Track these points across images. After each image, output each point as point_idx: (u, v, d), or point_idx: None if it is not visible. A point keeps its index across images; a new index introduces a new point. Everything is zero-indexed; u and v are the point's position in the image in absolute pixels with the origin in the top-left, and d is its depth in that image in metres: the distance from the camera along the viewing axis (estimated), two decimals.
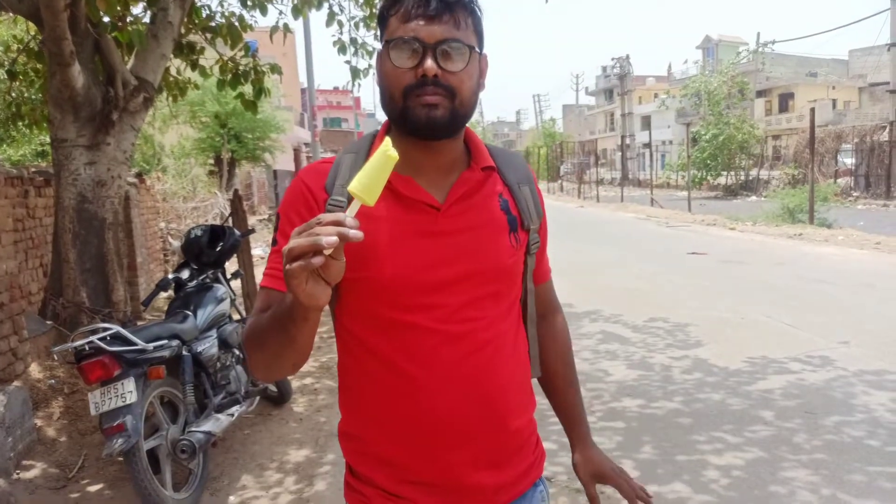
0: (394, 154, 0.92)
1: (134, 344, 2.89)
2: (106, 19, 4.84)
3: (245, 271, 5.66)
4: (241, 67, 6.18)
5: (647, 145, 33.64)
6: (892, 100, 28.81)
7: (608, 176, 44.33)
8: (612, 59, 51.23)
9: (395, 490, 1.12)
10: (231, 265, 4.54)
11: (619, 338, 5.80)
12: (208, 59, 6.21)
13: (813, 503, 2.94)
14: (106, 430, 2.75)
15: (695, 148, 28.25)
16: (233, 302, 4.00)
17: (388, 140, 0.94)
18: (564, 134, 63.51)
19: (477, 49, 1.10)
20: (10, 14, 5.63)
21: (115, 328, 2.92)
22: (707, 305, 6.87)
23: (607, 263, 10.15)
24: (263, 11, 6.08)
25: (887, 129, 23.13)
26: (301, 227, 0.85)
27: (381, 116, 1.15)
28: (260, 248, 10.68)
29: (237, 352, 3.75)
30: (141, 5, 5.54)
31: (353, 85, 6.98)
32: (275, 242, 1.12)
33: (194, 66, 6.09)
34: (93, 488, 3.29)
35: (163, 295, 4.47)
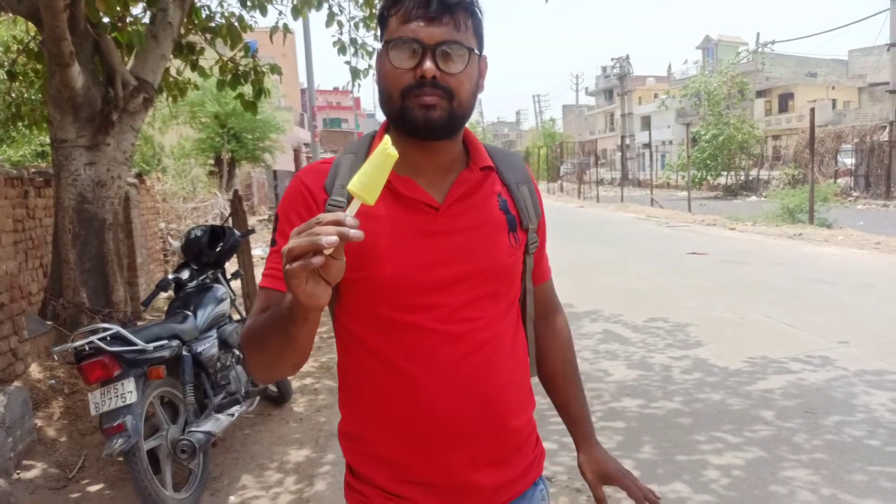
0: (393, 152, 0.91)
1: (134, 344, 2.89)
2: (105, 20, 4.84)
3: (245, 272, 5.66)
4: (240, 68, 6.18)
5: (647, 145, 33.62)
6: (891, 100, 28.82)
7: (608, 176, 44.31)
8: (612, 59, 51.28)
9: (395, 490, 1.12)
10: (231, 265, 4.54)
11: (619, 338, 5.80)
12: (208, 59, 6.21)
13: (813, 503, 2.94)
14: (106, 430, 2.76)
15: (695, 148, 28.24)
16: (233, 302, 4.01)
17: (387, 138, 0.93)
18: (564, 134, 63.50)
19: (476, 51, 1.10)
20: (10, 14, 5.62)
21: (115, 328, 2.92)
22: (707, 305, 6.87)
23: (607, 263, 10.15)
24: (263, 12, 6.08)
25: (887, 129, 23.12)
26: (301, 227, 0.85)
27: (381, 117, 1.15)
28: (260, 249, 10.66)
29: (237, 352, 3.75)
30: (140, 6, 5.54)
31: (353, 85, 6.98)
32: (274, 243, 1.12)
33: (194, 66, 6.09)
34: (93, 488, 3.29)
35: (163, 295, 4.47)
